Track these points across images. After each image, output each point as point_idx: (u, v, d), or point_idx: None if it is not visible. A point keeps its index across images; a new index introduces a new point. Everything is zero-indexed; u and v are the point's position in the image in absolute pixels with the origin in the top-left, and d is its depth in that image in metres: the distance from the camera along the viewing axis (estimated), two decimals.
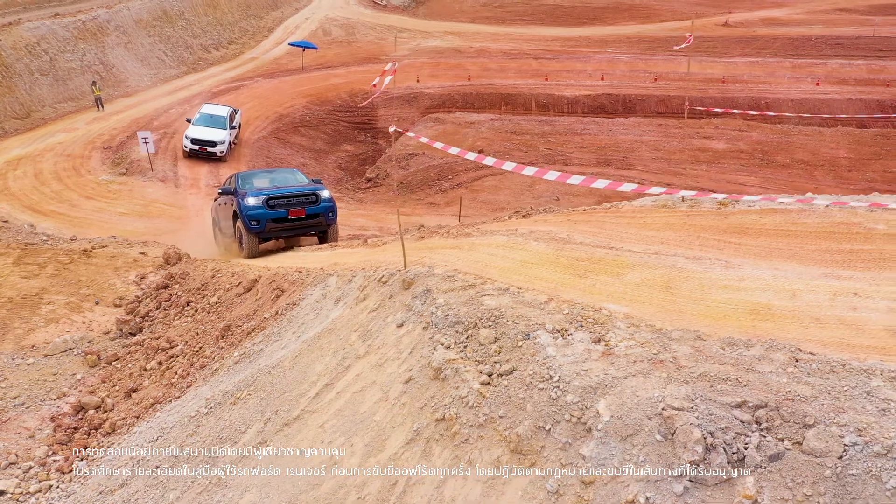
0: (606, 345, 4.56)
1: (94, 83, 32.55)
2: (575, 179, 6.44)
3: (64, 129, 29.71)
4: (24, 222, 19.04)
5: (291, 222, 12.68)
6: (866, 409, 3.80)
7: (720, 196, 7.70)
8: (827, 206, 7.24)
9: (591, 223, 7.71)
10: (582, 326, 4.77)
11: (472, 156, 7.29)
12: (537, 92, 38.59)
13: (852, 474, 3.50)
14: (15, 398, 8.12)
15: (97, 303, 10.54)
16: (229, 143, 26.04)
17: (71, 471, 6.90)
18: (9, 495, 6.66)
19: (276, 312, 7.25)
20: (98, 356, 8.90)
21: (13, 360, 8.81)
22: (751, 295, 5.70)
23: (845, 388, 3.97)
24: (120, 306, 10.48)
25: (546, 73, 41.70)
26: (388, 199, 24.15)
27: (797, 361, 4.24)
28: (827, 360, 4.24)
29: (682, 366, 4.27)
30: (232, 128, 26.56)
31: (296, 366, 5.94)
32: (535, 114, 37.02)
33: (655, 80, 40.55)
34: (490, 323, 4.89)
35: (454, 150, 7.71)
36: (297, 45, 42.05)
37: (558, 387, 4.22)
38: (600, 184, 6.35)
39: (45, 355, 8.96)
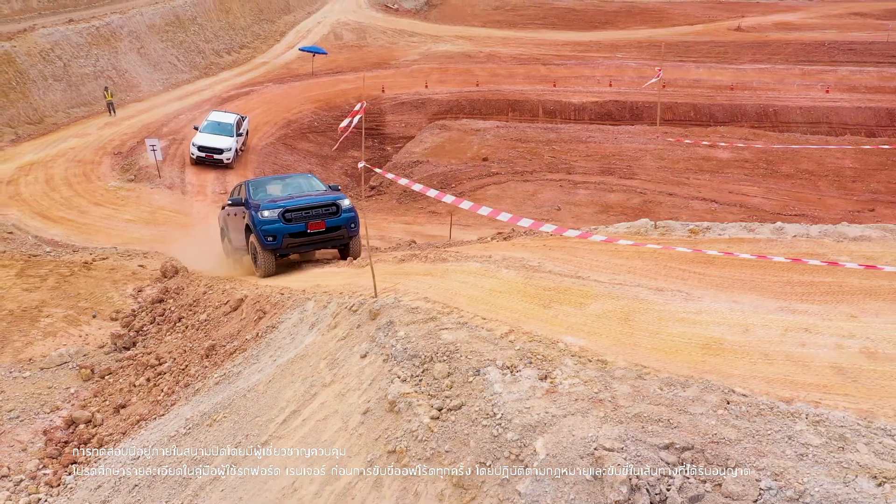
0: (552, 382, 4.78)
1: (106, 88, 33.08)
2: (525, 222, 6.61)
3: (76, 134, 30.20)
4: (32, 230, 19.48)
5: (310, 236, 11.62)
6: (786, 453, 4.00)
7: (691, 224, 7.87)
8: (794, 236, 7.41)
9: (564, 249, 7.91)
10: (531, 363, 4.99)
11: (433, 193, 7.44)
12: (545, 98, 38.74)
13: None
14: (10, 411, 8.45)
15: (94, 316, 10.89)
16: (236, 151, 26.42)
17: (59, 484, 7.20)
18: None
19: (257, 334, 7.53)
20: (92, 370, 9.23)
21: (10, 372, 9.16)
22: (705, 329, 5.89)
23: (769, 432, 4.17)
24: (116, 320, 10.82)
25: (554, 78, 41.83)
26: (391, 207, 24.41)
27: (728, 403, 4.44)
28: (756, 402, 4.43)
29: (620, 405, 4.48)
30: (239, 135, 26.93)
31: (268, 390, 6.21)
32: (543, 120, 37.19)
33: (663, 86, 40.43)
34: (445, 357, 5.12)
35: (417, 187, 7.86)
36: (308, 51, 42.44)
37: (500, 424, 4.44)
38: (548, 228, 6.52)
39: (42, 368, 9.30)
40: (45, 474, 7.41)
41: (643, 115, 37.49)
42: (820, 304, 6.29)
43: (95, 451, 7.49)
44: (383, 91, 39.27)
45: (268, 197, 12.51)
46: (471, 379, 4.87)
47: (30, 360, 9.53)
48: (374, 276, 6.49)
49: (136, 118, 32.67)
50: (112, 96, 32.94)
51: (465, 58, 49.62)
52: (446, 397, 4.81)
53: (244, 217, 12.25)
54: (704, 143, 29.09)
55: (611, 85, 40.84)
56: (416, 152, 29.23)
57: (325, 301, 7.04)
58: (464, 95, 39.44)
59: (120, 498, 6.21)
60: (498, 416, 4.49)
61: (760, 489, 3.79)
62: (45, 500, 7.03)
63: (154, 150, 23.64)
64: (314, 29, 55.79)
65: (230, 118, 27.27)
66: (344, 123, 7.23)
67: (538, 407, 4.52)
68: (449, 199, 6.26)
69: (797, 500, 3.70)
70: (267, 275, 11.56)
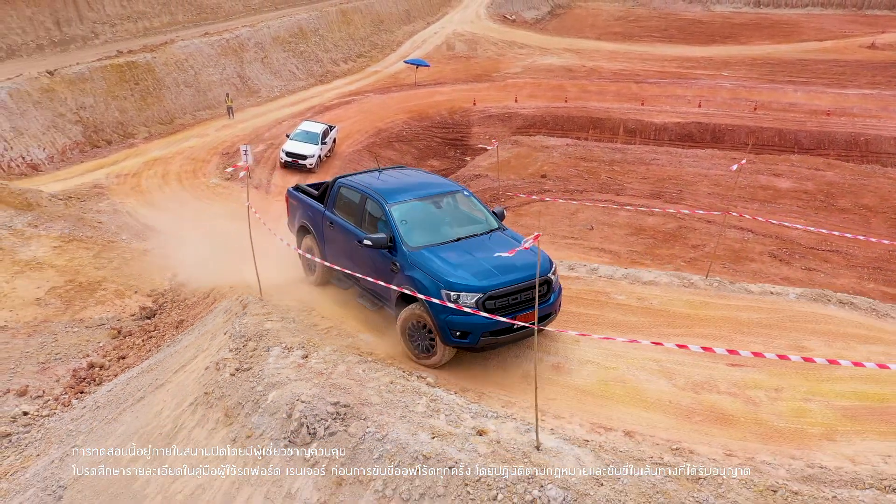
0: (306, 359, 7.38)
1: (227, 94, 38.00)
2: None
3: (197, 134, 35.05)
4: (141, 217, 23.71)
5: (515, 332, 7.78)
6: (396, 414, 6.39)
7: None
8: (600, 276, 9.43)
9: None
10: (303, 347, 7.61)
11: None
12: (628, 117, 39.80)
13: (362, 448, 6.14)
14: (57, 354, 12.03)
15: (136, 292, 14.42)
16: (319, 157, 30.09)
17: (69, 405, 10.56)
18: (30, 415, 10.41)
19: (201, 315, 10.54)
20: (119, 331, 12.68)
21: (66, 328, 12.80)
22: None
23: (399, 402, 6.56)
24: (150, 296, 14.29)
25: (644, 97, 42.67)
26: None
27: (391, 383, 6.84)
28: (409, 385, 6.81)
29: (330, 377, 7.01)
30: (324, 143, 30.59)
31: (181, 352, 9.19)
32: (622, 139, 38.37)
33: (755, 109, 40.40)
34: (257, 338, 7.85)
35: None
36: (411, 63, 45.80)
37: (257, 381, 7.12)
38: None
39: (87, 327, 12.87)
40: (63, 398, 10.82)
41: (724, 138, 37.71)
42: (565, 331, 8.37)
43: (96, 386, 10.81)
44: (474, 104, 41.91)
45: (434, 246, 8.53)
46: (263, 353, 7.57)
47: (81, 320, 13.15)
48: (258, 278, 9.28)
49: (249, 122, 37.26)
50: (232, 101, 37.76)
51: (565, 71, 51.23)
52: (245, 362, 7.54)
53: (393, 269, 8.44)
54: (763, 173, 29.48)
55: (700, 106, 41.14)
56: (481, 166, 31.70)
57: (238, 295, 9.93)
58: (549, 111, 41.27)
59: (87, 413, 9.42)
60: (259, 376, 7.16)
61: (366, 432, 6.22)
62: (58, 414, 10.39)
63: (246, 154, 27.66)
64: (429, 39, 59.22)
65: (318, 128, 31.01)
66: (230, 170, 9.85)
67: (285, 373, 7.14)
68: None
69: (381, 440, 6.10)
70: (440, 364, 8.18)
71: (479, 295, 7.64)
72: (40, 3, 37.73)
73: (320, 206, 10.44)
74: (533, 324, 6.31)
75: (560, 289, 8.58)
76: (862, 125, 37.97)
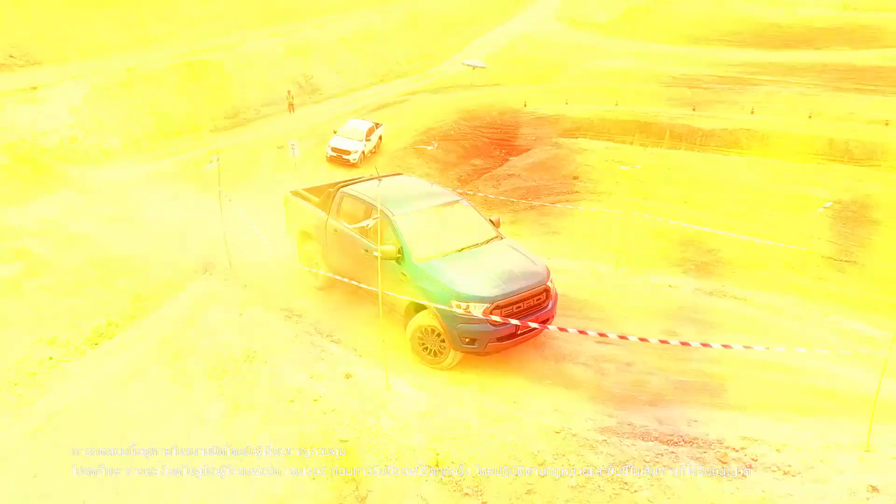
0: (240, 316, 9.09)
1: (288, 91, 40.53)
2: None
3: (257, 128, 37.69)
4: (183, 204, 26.02)
5: (518, 337, 8.74)
6: (287, 359, 7.96)
7: None
8: None
9: None
10: (240, 306, 9.32)
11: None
12: (675, 122, 39.98)
13: (258, 382, 7.76)
14: (86, 313, 14.24)
15: (162, 265, 16.64)
16: (362, 153, 32.04)
17: (85, 353, 12.67)
18: (54, 360, 12.56)
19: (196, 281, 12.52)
20: (139, 296, 14.84)
21: (98, 291, 15.07)
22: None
23: (295, 350, 8.14)
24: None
25: (696, 102, 42.69)
26: None
27: (296, 336, 8.43)
28: (309, 339, 8.38)
29: (252, 329, 8.67)
30: (368, 140, 32.52)
31: (163, 310, 11.10)
32: (667, 145, 38.64)
33: (809, 117, 39.86)
34: (209, 297, 9.61)
35: None
36: (469, 65, 47.33)
37: (197, 330, 8.87)
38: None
39: (115, 292, 15.10)
40: (82, 348, 12.96)
41: (772, 146, 37.45)
42: None
43: (109, 340, 12.90)
44: (525, 105, 43.02)
45: (441, 256, 9.21)
46: (208, 309, 9.32)
47: (111, 285, 15.41)
48: (227, 247, 11.08)
49: (308, 118, 39.66)
50: (293, 98, 40.26)
51: (624, 75, 51.54)
52: (194, 316, 9.30)
53: (402, 279, 9.15)
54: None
55: (752, 112, 40.88)
56: (517, 166, 32.92)
57: (213, 266, 11.78)
58: (598, 114, 41.85)
59: (91, 358, 11.47)
60: (199, 327, 8.91)
61: (263, 370, 7.83)
62: (76, 360, 12.49)
63: (293, 147, 29.92)
64: (495, 41, 60.48)
65: (363, 125, 32.97)
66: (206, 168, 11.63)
67: (219, 326, 8.86)
68: None
69: (272, 377, 7.71)
70: (450, 367, 8.84)
71: (488, 304, 8.35)
72: (128, 5, 41.32)
73: (323, 213, 10.82)
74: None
75: (556, 295, 9.29)
76: None
